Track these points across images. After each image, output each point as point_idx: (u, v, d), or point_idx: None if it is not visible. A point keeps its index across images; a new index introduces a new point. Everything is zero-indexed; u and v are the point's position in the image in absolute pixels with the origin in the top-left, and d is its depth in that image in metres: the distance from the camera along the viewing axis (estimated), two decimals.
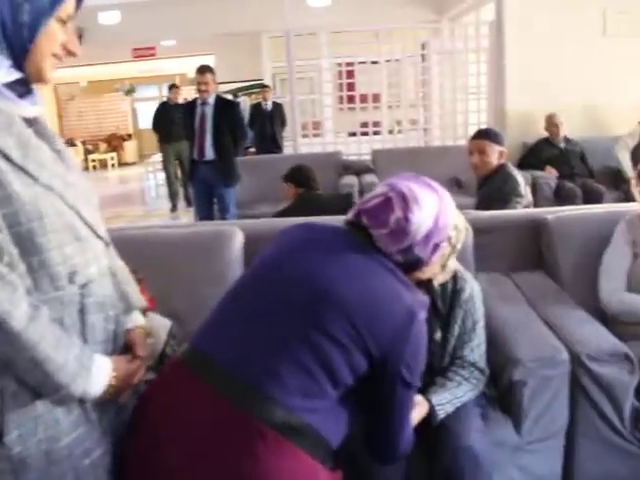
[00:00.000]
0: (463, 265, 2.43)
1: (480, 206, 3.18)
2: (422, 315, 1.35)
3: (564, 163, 5.69)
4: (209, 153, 5.25)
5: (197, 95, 5.28)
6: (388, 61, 6.80)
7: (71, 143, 15.90)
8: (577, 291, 2.42)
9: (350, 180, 5.85)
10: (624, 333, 2.24)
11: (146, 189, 12.56)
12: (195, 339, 1.36)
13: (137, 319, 1.45)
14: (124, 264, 1.51)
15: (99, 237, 1.30)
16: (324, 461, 1.29)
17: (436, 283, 1.93)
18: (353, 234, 1.42)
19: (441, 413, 1.81)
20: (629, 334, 2.19)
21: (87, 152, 16.09)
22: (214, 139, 5.24)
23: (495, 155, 3.13)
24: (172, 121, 8.04)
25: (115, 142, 16.76)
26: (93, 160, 15.82)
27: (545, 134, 5.86)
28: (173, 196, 8.79)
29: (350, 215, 1.47)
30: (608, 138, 5.83)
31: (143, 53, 10.03)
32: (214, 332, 1.35)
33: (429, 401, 1.81)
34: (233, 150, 5.36)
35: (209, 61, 11.99)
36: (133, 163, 16.46)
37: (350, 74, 6.88)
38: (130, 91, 17.02)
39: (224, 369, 1.26)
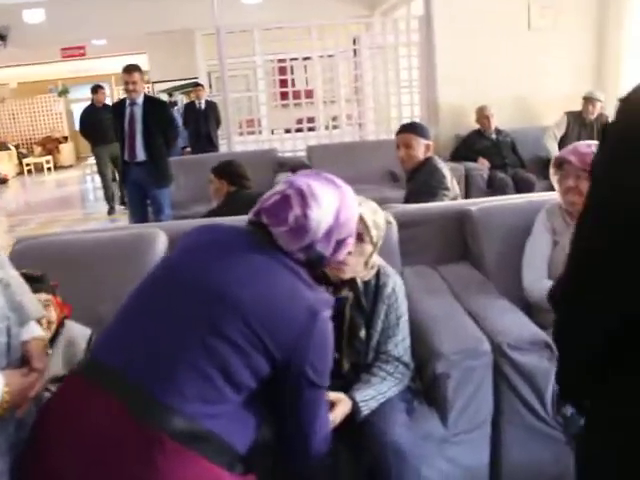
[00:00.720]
0: (389, 259, 2.45)
1: (408, 200, 3.21)
2: (326, 314, 1.34)
3: (496, 154, 5.79)
4: (140, 154, 5.13)
5: (125, 95, 5.15)
6: (321, 57, 6.79)
7: (4, 147, 15.39)
8: (502, 281, 2.46)
9: (283, 177, 5.81)
10: (546, 321, 2.28)
11: (84, 192, 12.27)
12: (94, 347, 1.32)
13: (33, 330, 1.39)
14: (18, 274, 1.46)
15: None
16: (231, 467, 1.26)
17: (359, 281, 1.94)
18: (254, 234, 1.40)
19: (365, 410, 1.81)
20: (551, 321, 2.23)
21: (21, 156, 15.56)
22: (145, 140, 5.12)
23: (421, 149, 3.15)
24: (101, 123, 7.87)
25: (50, 145, 16.27)
26: (28, 164, 15.32)
27: (477, 126, 5.96)
28: (110, 199, 8.62)
29: (251, 214, 1.45)
30: (537, 128, 5.98)
31: (72, 53, 9.73)
32: (112, 340, 1.32)
33: (352, 398, 1.80)
34: (165, 150, 5.26)
35: (141, 60, 11.78)
36: (70, 166, 16.04)
37: (283, 71, 6.83)
38: (63, 92, 16.56)
39: (122, 378, 1.23)
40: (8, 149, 15.33)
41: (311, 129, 6.85)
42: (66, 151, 16.51)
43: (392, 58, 6.50)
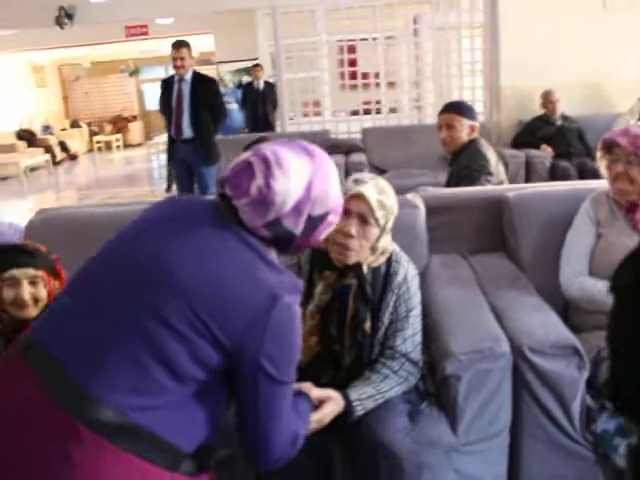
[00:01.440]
0: (413, 246, 2.26)
1: (449, 184, 2.98)
2: (289, 299, 1.17)
3: (561, 141, 5.43)
4: (187, 131, 5.06)
5: (173, 72, 5.09)
6: (377, 38, 6.51)
7: (76, 124, 15.85)
8: (538, 275, 2.22)
9: (336, 159, 5.63)
10: (585, 322, 2.04)
11: (150, 170, 12.48)
12: (33, 326, 1.20)
13: None
14: None
15: None
16: (173, 466, 1.12)
17: (366, 267, 1.76)
18: (218, 207, 1.24)
19: (359, 410, 1.63)
20: (590, 324, 1.98)
21: (92, 134, 15.98)
22: (191, 117, 5.04)
23: (465, 130, 2.90)
24: None
25: (120, 124, 16.63)
26: (98, 142, 15.72)
27: (541, 111, 5.60)
28: (169, 176, 8.64)
29: (217, 185, 1.28)
30: (608, 115, 5.55)
31: (136, 32, 9.81)
32: (50, 318, 1.19)
33: (346, 396, 1.63)
34: (212, 128, 5.16)
35: (208, 40, 11.82)
36: (138, 145, 16.33)
37: (345, 52, 6.58)
38: (135, 72, 16.87)
39: (50, 358, 1.10)
40: (80, 127, 15.78)
41: (367, 112, 6.60)
42: (135, 130, 16.83)
43: (455, 39, 6.18)
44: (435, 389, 1.82)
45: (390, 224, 1.76)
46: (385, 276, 1.79)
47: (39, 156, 12.23)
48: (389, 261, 1.81)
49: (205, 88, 5.07)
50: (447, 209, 2.48)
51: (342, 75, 6.76)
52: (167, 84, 5.18)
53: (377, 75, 6.56)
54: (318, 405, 1.56)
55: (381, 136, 6.13)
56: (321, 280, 1.79)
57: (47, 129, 14.44)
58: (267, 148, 1.23)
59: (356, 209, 1.69)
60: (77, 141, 14.97)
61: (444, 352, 1.73)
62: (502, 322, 1.84)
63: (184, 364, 1.10)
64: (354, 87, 6.65)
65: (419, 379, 1.80)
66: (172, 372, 1.10)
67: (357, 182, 1.73)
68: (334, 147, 6.02)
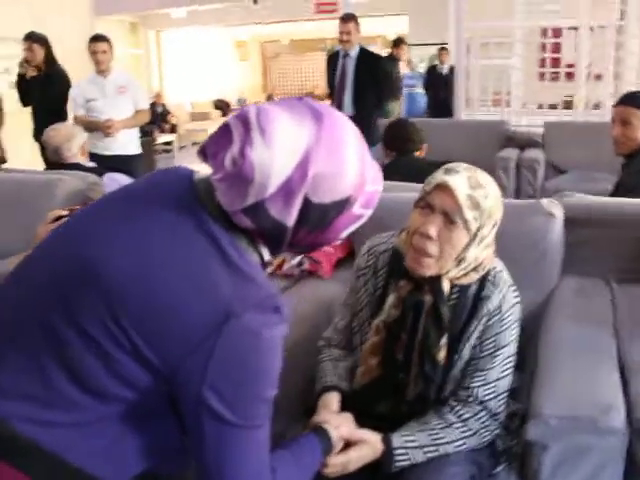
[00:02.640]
0: (540, 263, 1.84)
1: (615, 193, 2.43)
2: (253, 320, 0.87)
3: None
4: (348, 108, 4.84)
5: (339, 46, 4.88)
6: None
7: (270, 99, 16.47)
8: None
9: (508, 153, 5.10)
10: None
11: None
12: None
13: None
14: None
15: None
16: None
17: (446, 282, 1.38)
18: (193, 184, 0.95)
19: (401, 460, 1.29)
20: None
21: None
22: (354, 94, 4.83)
23: None
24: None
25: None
26: None
27: None
28: None
29: (198, 154, 0.99)
30: None
31: (325, 9, 9.73)
32: None
33: (387, 442, 1.29)
34: (375, 107, 4.89)
35: (402, 22, 11.48)
36: None
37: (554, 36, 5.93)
38: (331, 51, 17.04)
39: None
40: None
41: (552, 106, 5.91)
42: None
43: None
44: (521, 450, 1.40)
45: (486, 231, 1.35)
46: (474, 299, 1.40)
47: None
48: (483, 281, 1.41)
49: (370, 65, 4.81)
50: (596, 222, 1.97)
51: (542, 63, 6.11)
52: (332, 59, 5.00)
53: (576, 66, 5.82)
54: (346, 446, 1.25)
55: (566, 132, 5.41)
56: (394, 290, 1.45)
57: (242, 101, 15.15)
58: (255, 106, 0.91)
59: (440, 204, 1.32)
60: None
61: (532, 409, 1.31)
62: (627, 386, 1.37)
63: (102, 379, 0.85)
64: (554, 78, 5.96)
65: (498, 435, 1.40)
66: (83, 386, 0.85)
67: (447, 171, 1.35)
68: (509, 140, 5.48)
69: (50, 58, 4.68)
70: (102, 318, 0.84)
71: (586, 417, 1.25)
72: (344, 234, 0.99)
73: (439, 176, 1.34)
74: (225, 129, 0.90)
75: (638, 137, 2.37)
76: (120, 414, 0.90)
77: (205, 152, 0.94)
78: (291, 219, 0.90)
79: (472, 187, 1.32)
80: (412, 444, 1.30)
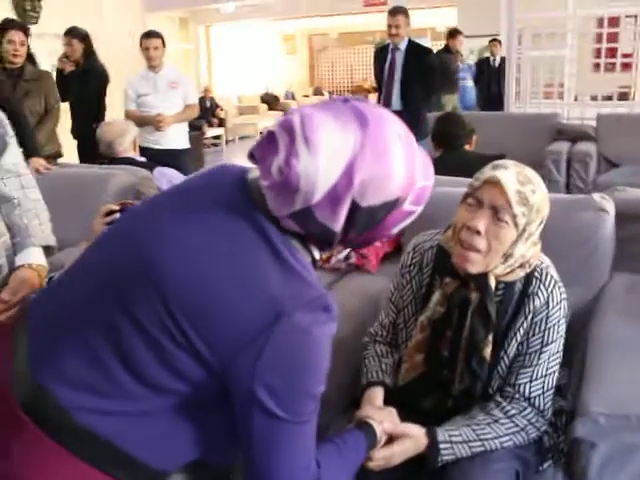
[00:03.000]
0: (592, 260, 1.82)
1: None
2: (303, 319, 0.88)
3: None
4: (395, 103, 4.81)
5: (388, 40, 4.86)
6: None
7: (319, 92, 16.51)
8: None
9: (559, 147, 5.00)
10: None
11: None
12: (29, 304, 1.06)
13: (29, 257, 1.31)
14: (40, 198, 1.44)
15: None
16: None
17: (493, 278, 1.38)
18: (246, 185, 0.97)
19: (446, 454, 1.30)
20: None
21: None
22: (402, 88, 4.79)
23: None
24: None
25: (360, 94, 16.92)
26: None
27: None
28: None
29: (248, 156, 1.00)
30: None
31: (375, 1, 9.68)
32: (43, 293, 1.04)
33: (432, 436, 1.30)
34: (423, 101, 4.86)
35: (451, 13, 11.33)
36: None
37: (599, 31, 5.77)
38: (380, 44, 16.94)
39: (23, 339, 0.96)
40: (322, 94, 16.35)
41: (607, 97, 5.75)
42: (373, 101, 17.03)
43: None
44: (568, 448, 1.39)
45: (534, 228, 1.34)
46: (521, 295, 1.39)
47: (277, 119, 12.95)
48: (529, 277, 1.40)
49: (419, 59, 4.76)
50: None
51: (597, 53, 5.94)
52: (381, 52, 4.98)
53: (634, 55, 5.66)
54: (390, 440, 1.26)
55: (620, 125, 5.26)
56: (440, 288, 1.45)
57: (290, 95, 15.21)
58: (299, 112, 0.91)
59: (489, 199, 1.31)
60: None
61: (580, 406, 1.31)
62: None
63: (154, 371, 0.88)
64: (610, 68, 5.79)
65: (545, 432, 1.39)
66: (139, 378, 0.89)
67: (495, 167, 1.34)
68: (560, 133, 5.37)
69: (89, 53, 4.70)
70: (156, 310, 0.87)
71: (636, 415, 1.23)
72: (396, 230, 1.00)
73: (488, 172, 1.34)
74: (271, 137, 0.91)
75: None
76: (174, 406, 0.93)
77: (254, 156, 0.96)
78: (339, 224, 0.91)
79: (521, 183, 1.31)
80: (457, 438, 1.31)
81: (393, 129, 0.94)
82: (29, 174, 1.48)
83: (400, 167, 0.93)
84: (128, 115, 4.35)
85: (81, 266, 1.02)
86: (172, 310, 0.87)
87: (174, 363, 0.88)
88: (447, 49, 7.58)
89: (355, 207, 0.91)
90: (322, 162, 0.87)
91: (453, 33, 7.69)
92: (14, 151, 1.46)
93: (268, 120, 12.79)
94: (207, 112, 11.25)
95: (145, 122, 4.25)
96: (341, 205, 0.89)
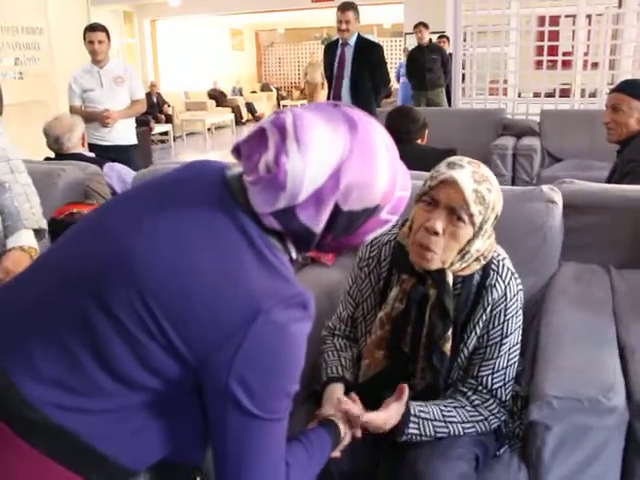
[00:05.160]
0: (542, 249, 1.86)
1: (610, 180, 2.46)
2: (281, 316, 0.88)
3: None
4: (345, 97, 4.87)
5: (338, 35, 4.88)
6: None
7: (267, 88, 16.44)
8: None
9: (505, 141, 5.12)
10: None
11: None
12: None
13: (20, 239, 1.41)
14: (30, 182, 1.55)
15: None
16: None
17: (450, 274, 1.40)
18: (226, 181, 0.96)
19: (412, 428, 1.32)
20: None
21: (280, 98, 16.45)
22: (351, 83, 4.83)
23: (635, 115, 2.36)
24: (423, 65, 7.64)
25: (308, 90, 16.91)
26: (284, 106, 16.13)
27: None
28: None
29: (232, 151, 0.99)
30: None
31: None
32: (12, 288, 1.01)
33: (407, 408, 1.32)
34: (372, 96, 4.90)
35: (397, 11, 11.44)
36: None
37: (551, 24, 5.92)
38: (327, 40, 16.99)
39: None
40: (270, 90, 16.30)
41: (549, 94, 5.92)
42: (322, 97, 17.04)
43: None
44: (524, 432, 1.44)
45: (489, 225, 1.37)
46: (478, 288, 1.41)
47: (225, 115, 12.84)
48: (486, 269, 1.42)
49: (368, 54, 4.82)
50: (595, 209, 2.00)
51: (539, 51, 6.10)
52: (330, 49, 5.00)
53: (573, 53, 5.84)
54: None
55: (562, 120, 5.43)
56: (398, 284, 1.46)
57: (237, 91, 15.10)
58: (292, 112, 0.92)
59: (445, 200, 1.33)
60: (264, 104, 15.50)
61: (534, 391, 1.35)
62: (627, 366, 1.40)
63: (129, 367, 0.87)
64: (551, 66, 5.96)
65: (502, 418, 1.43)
66: (113, 374, 0.87)
67: (451, 165, 1.35)
68: (506, 128, 5.50)
69: None
70: (133, 305, 0.86)
71: (587, 398, 1.28)
72: (369, 237, 1.01)
73: (444, 170, 1.35)
74: (261, 133, 0.91)
75: (629, 123, 2.39)
76: (146, 403, 0.92)
77: (239, 151, 0.95)
78: (320, 225, 0.92)
79: (477, 182, 1.32)
80: (425, 415, 1.33)
81: (381, 137, 0.95)
82: (19, 159, 1.54)
83: (384, 175, 0.94)
84: (74, 111, 4.24)
85: (48, 261, 0.99)
86: (149, 304, 0.85)
87: (149, 359, 0.87)
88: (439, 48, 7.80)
89: (337, 210, 0.91)
90: (311, 162, 0.87)
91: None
92: (2, 137, 1.53)
93: (216, 116, 12.69)
94: (154, 108, 11.07)
95: (91, 118, 4.15)
96: (325, 207, 0.90)
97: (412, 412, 1.33)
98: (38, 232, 1.48)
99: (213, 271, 0.87)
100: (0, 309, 0.95)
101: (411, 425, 1.32)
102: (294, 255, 0.99)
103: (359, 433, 1.29)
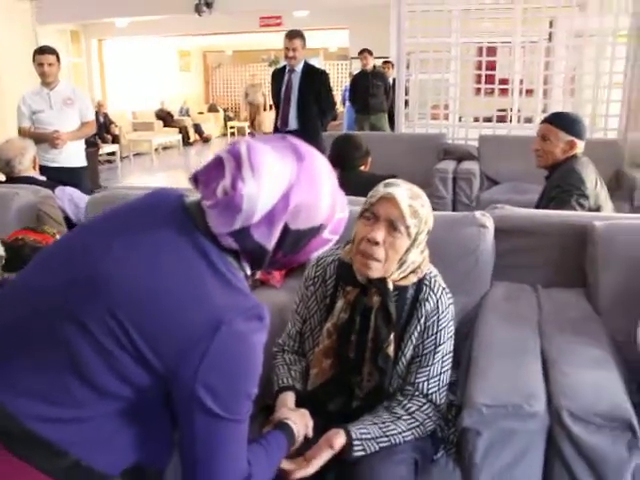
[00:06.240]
0: (475, 269, 2.01)
1: (539, 205, 2.66)
2: (242, 326, 1.00)
3: None
4: (292, 122, 5.01)
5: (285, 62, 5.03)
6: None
7: (214, 109, 16.48)
8: (616, 320, 1.89)
9: (446, 165, 5.33)
10: None
11: None
12: None
13: None
14: None
15: None
16: None
17: (390, 282, 1.54)
18: (185, 206, 1.09)
19: (358, 450, 1.43)
20: None
21: (227, 119, 16.52)
22: (298, 108, 4.97)
23: (560, 145, 2.57)
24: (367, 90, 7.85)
25: (255, 111, 17.03)
26: (232, 127, 16.21)
27: None
28: None
29: (190, 180, 1.12)
30: None
31: (269, 22, 9.91)
32: None
33: (347, 432, 1.43)
34: (319, 121, 5.06)
35: (343, 36, 11.76)
36: (270, 132, 16.66)
37: (480, 56, 6.23)
38: (274, 62, 17.18)
39: None
40: (217, 111, 16.36)
41: (488, 119, 6.21)
42: (268, 119, 17.18)
43: (594, 46, 5.64)
44: (457, 438, 1.57)
45: (422, 237, 1.53)
46: (412, 301, 1.57)
47: (172, 136, 12.83)
48: (420, 285, 1.58)
49: (314, 80, 4.98)
50: (522, 232, 2.18)
51: (478, 79, 6.41)
52: (278, 74, 5.14)
53: (506, 82, 6.16)
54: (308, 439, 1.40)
55: (499, 145, 5.69)
56: (342, 296, 1.60)
57: (185, 111, 15.11)
58: (245, 143, 1.05)
59: (384, 214, 1.50)
60: (212, 125, 15.56)
61: (466, 400, 1.48)
62: (548, 376, 1.56)
63: (104, 378, 0.97)
64: (489, 93, 6.25)
65: (438, 424, 1.56)
66: (86, 384, 0.97)
67: (388, 185, 1.54)
68: (447, 152, 5.72)
69: None
70: (104, 319, 0.96)
71: (512, 404, 1.42)
72: (314, 255, 1.15)
73: (382, 189, 1.52)
74: (218, 162, 1.04)
75: (554, 152, 2.60)
76: (117, 411, 1.01)
77: (197, 179, 1.07)
78: (272, 243, 1.05)
79: (412, 198, 1.50)
80: (367, 436, 1.45)
81: (323, 165, 1.10)
82: None
83: (327, 198, 1.08)
84: (23, 132, 4.24)
85: (19, 289, 1.08)
86: (120, 319, 0.95)
87: (121, 369, 0.96)
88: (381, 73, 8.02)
89: (286, 229, 1.05)
90: (264, 187, 1.01)
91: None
92: None
93: (163, 137, 12.67)
94: (101, 128, 10.99)
95: (41, 139, 4.15)
96: (276, 226, 1.03)
97: (354, 436, 1.44)
98: None
99: (178, 290, 0.98)
100: None
101: (356, 448, 1.43)
102: (248, 272, 1.11)
103: (310, 433, 1.41)
